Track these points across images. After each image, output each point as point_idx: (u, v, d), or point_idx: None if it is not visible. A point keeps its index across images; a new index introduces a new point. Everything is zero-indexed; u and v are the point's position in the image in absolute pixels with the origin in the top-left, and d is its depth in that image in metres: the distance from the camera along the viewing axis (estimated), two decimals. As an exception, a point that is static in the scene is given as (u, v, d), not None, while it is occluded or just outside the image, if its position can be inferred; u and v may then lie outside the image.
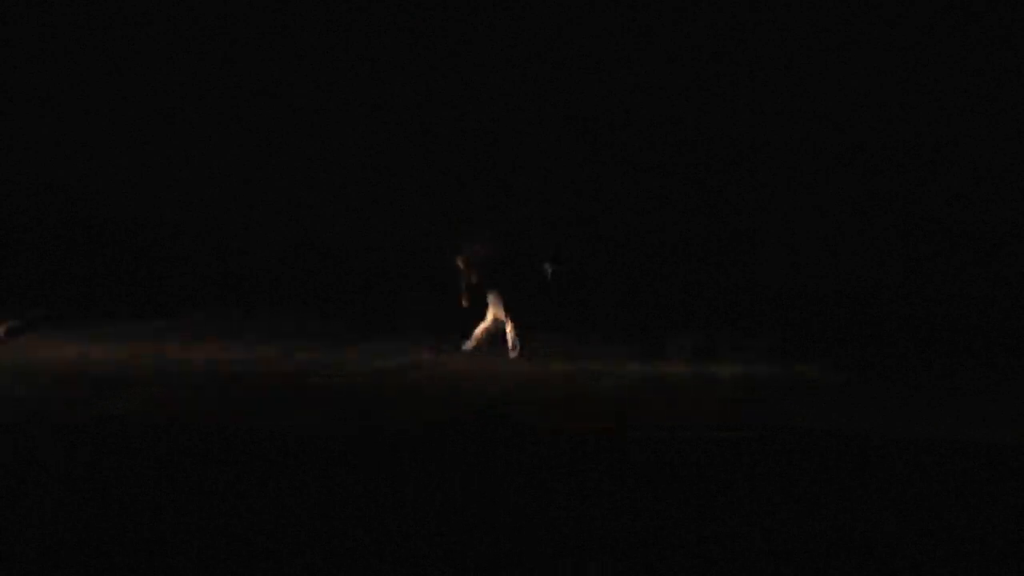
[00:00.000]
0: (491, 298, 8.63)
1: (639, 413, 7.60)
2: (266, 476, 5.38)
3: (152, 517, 4.61)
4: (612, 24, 20.10)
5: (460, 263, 8.80)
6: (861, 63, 19.49)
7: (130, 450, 5.99)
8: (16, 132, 18.94)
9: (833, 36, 19.54)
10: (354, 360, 9.70)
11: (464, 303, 8.69)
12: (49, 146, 19.14)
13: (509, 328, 8.57)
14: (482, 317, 9.09)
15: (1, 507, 4.80)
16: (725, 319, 13.34)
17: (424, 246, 19.11)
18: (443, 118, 20.18)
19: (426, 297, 16.97)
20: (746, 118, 19.53)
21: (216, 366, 9.32)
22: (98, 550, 4.06)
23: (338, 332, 11.70)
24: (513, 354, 8.64)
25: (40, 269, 14.82)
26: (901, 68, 19.35)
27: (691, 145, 19.52)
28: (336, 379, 8.66)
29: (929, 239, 18.22)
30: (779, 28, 19.50)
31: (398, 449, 6.11)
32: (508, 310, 8.50)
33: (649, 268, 17.33)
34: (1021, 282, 16.39)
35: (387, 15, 20.25)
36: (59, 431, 6.49)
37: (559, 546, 4.10)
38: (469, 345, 8.81)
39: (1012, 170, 18.90)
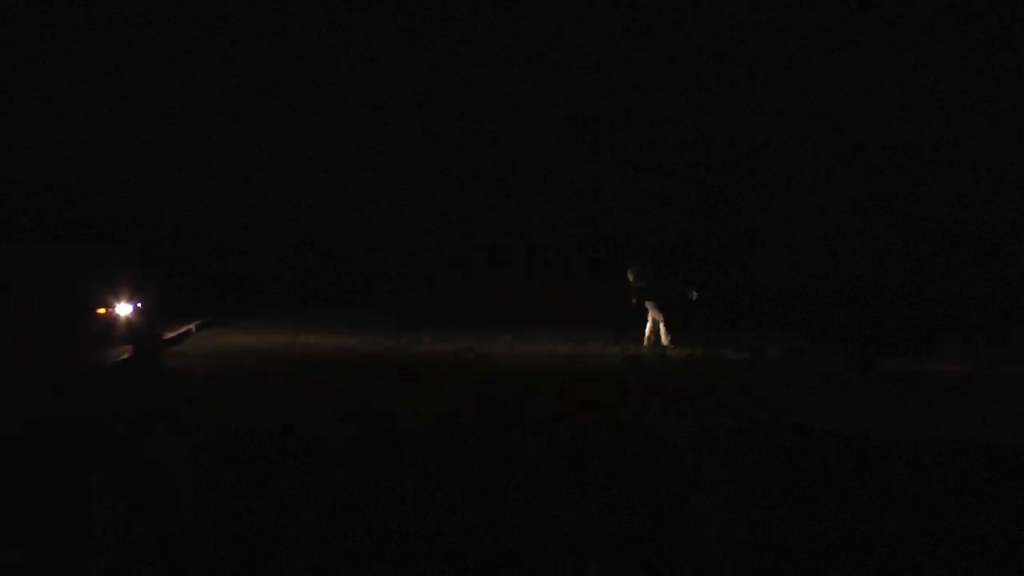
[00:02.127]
0: (650, 304, 11.28)
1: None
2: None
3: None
4: (612, 24, 20.14)
5: (631, 276, 11.32)
6: (861, 63, 19.52)
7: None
8: (18, 131, 19.00)
9: (833, 36, 19.58)
10: (426, 344, 12.35)
11: (634, 303, 11.39)
12: (51, 146, 19.21)
13: (664, 326, 11.40)
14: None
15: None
16: (725, 316, 13.70)
17: (424, 246, 19.22)
18: (443, 118, 20.23)
19: (427, 296, 17.34)
20: (746, 118, 19.56)
21: (336, 348, 12.12)
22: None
23: (389, 324, 14.36)
24: (666, 341, 11.32)
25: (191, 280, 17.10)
26: (901, 68, 19.39)
27: (691, 145, 19.55)
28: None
29: (929, 239, 18.27)
30: (779, 28, 19.54)
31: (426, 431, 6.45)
32: (665, 313, 11.27)
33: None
34: (1021, 282, 16.45)
35: (387, 15, 20.29)
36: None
37: (555, 540, 4.12)
38: (647, 340, 11.58)
39: (1012, 170, 18.94)
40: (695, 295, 11.16)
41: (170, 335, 12.06)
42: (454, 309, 16.19)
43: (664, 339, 11.39)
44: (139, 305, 10.26)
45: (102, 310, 9.92)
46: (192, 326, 13.33)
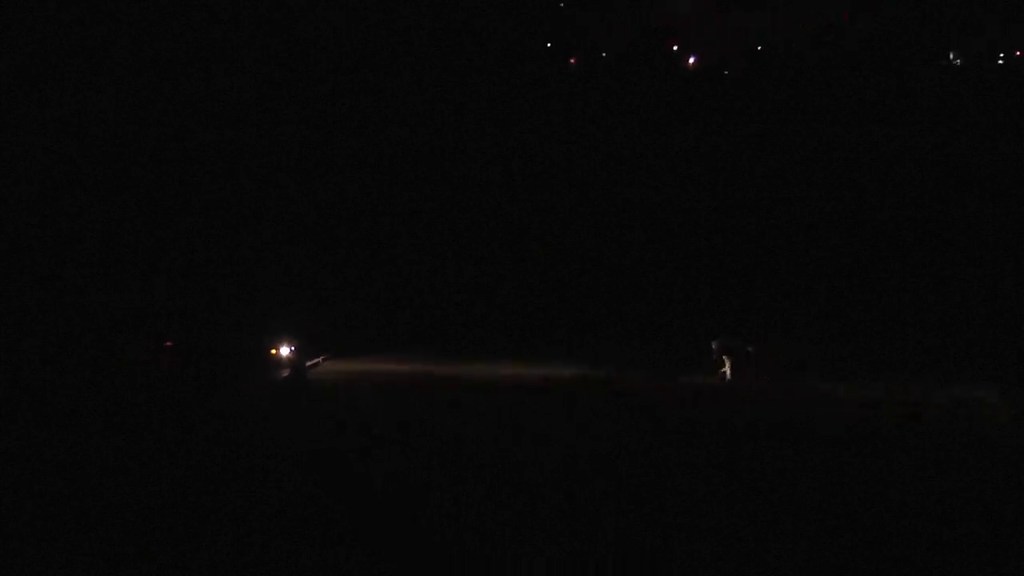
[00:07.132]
0: (728, 360, 18.45)
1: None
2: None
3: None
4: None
5: (715, 345, 18.58)
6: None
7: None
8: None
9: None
10: (504, 373, 19.27)
11: (716, 359, 18.60)
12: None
13: (729, 367, 18.46)
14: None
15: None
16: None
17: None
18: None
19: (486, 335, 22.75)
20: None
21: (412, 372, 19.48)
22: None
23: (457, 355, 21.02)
24: (729, 376, 18.53)
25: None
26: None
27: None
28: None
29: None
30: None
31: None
32: (732, 361, 18.39)
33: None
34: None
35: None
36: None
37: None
38: (729, 376, 18.58)
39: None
40: (751, 350, 18.55)
41: (309, 363, 19.71)
42: (505, 345, 22.09)
43: (728, 375, 18.50)
44: (292, 348, 18.87)
45: (273, 351, 18.87)
46: (321, 358, 20.65)
